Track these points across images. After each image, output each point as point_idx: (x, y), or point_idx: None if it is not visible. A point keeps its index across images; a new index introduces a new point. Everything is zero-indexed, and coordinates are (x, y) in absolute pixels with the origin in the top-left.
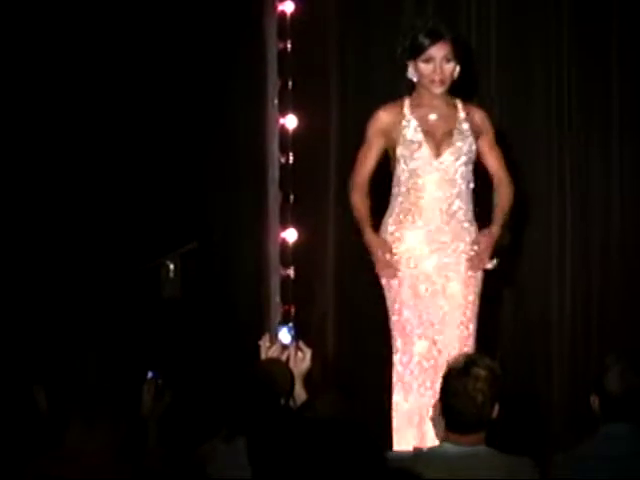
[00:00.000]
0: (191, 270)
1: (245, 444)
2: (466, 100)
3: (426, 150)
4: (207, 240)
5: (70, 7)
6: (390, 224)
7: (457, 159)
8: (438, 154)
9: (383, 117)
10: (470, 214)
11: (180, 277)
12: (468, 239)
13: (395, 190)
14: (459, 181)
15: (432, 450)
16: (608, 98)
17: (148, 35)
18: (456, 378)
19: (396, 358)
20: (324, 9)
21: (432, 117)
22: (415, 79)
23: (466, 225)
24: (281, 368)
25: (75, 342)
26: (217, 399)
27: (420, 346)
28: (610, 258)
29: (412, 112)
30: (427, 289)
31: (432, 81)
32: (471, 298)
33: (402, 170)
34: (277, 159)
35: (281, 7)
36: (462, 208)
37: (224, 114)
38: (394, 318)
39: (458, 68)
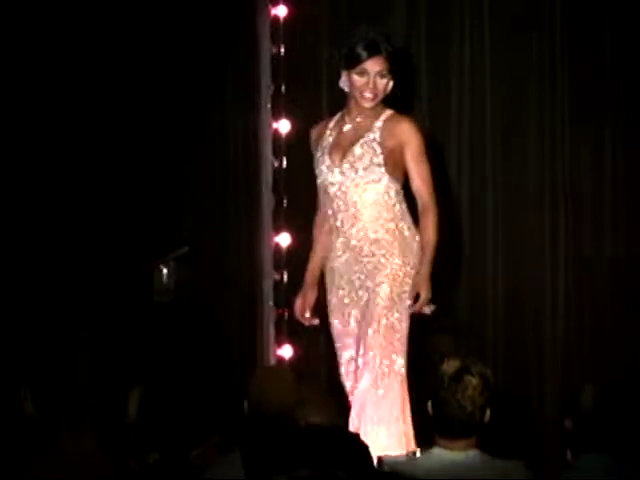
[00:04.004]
0: (184, 274)
1: (240, 453)
2: (402, 112)
3: (327, 160)
4: (200, 244)
5: (57, 6)
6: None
7: (356, 167)
8: (340, 164)
9: (312, 133)
10: (392, 221)
11: (173, 281)
12: (395, 246)
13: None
14: (368, 189)
15: (425, 455)
16: (601, 96)
17: (140, 39)
18: (447, 385)
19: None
20: (316, 13)
21: (346, 128)
22: (347, 89)
23: (390, 229)
24: (278, 384)
25: (65, 345)
26: (207, 404)
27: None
28: (603, 261)
29: (336, 125)
30: (350, 299)
31: (362, 95)
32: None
33: (318, 182)
34: (270, 163)
35: (274, 11)
36: (376, 216)
37: (217, 118)
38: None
39: (391, 83)
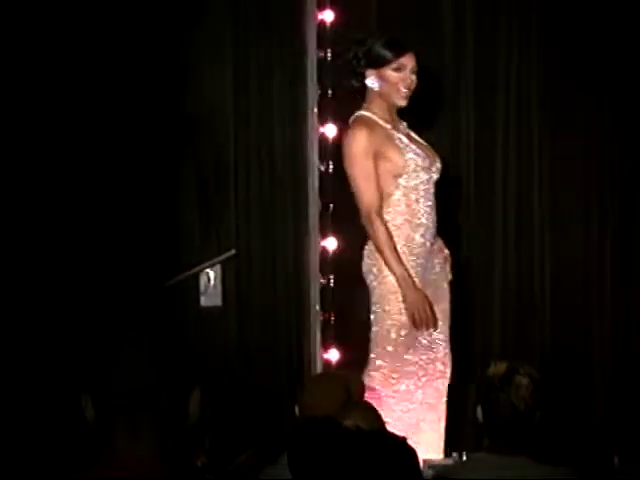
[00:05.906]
0: (231, 278)
1: (286, 459)
2: None
3: (424, 162)
4: (247, 248)
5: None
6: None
7: (440, 168)
8: (433, 164)
9: (370, 135)
10: None
11: (221, 285)
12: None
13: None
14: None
15: (472, 459)
16: None
17: (177, 42)
18: (498, 387)
19: None
20: (364, 18)
21: (403, 128)
22: (376, 88)
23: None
24: (329, 389)
25: (119, 349)
26: (255, 408)
27: None
28: None
29: (393, 126)
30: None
31: (399, 91)
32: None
33: (398, 185)
34: (317, 168)
35: (321, 16)
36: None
37: (264, 123)
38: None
39: None
